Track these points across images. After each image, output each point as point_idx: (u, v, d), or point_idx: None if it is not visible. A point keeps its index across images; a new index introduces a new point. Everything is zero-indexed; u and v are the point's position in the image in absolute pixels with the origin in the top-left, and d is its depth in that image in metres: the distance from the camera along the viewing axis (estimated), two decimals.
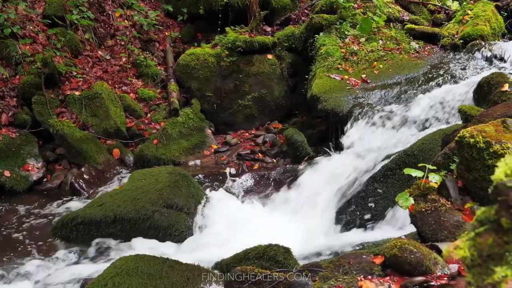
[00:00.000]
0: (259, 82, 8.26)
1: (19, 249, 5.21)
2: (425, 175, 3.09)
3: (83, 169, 6.70)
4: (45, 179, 6.82)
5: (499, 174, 0.89)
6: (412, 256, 2.52)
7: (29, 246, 5.26)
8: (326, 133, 7.00)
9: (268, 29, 9.05)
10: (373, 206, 4.94)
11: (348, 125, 6.26)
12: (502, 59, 6.76)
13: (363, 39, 7.80)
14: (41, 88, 7.39)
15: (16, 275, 4.62)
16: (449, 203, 2.97)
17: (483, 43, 7.10)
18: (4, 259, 5.00)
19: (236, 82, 8.23)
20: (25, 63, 7.61)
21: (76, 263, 4.78)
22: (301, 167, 6.29)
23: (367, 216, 4.93)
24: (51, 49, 7.73)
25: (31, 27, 8.03)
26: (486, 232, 0.91)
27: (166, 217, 5.03)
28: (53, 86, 7.59)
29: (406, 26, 8.10)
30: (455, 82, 6.38)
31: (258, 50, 8.29)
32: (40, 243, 5.31)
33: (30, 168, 6.72)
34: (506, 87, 5.16)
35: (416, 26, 8.05)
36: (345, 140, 6.35)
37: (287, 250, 3.61)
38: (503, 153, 2.64)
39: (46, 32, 8.11)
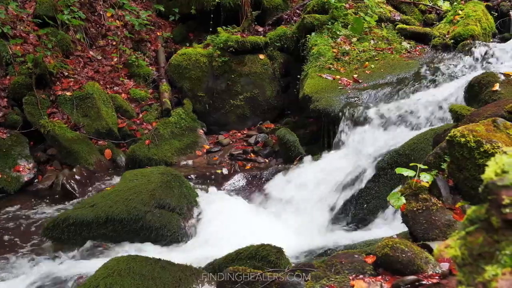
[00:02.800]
0: (251, 82, 8.26)
1: (10, 250, 5.18)
2: (417, 174, 3.10)
3: (74, 170, 6.67)
4: (36, 180, 6.79)
5: (489, 173, 0.89)
6: (404, 255, 2.53)
7: (20, 247, 5.23)
8: (318, 133, 7.01)
9: (260, 29, 9.06)
10: (365, 205, 4.95)
11: (340, 125, 6.27)
12: (492, 59, 6.80)
13: (354, 39, 7.82)
14: (32, 88, 7.35)
15: (7, 276, 4.60)
16: (440, 202, 2.98)
17: (474, 43, 7.13)
18: None
19: (228, 82, 8.23)
20: (15, 64, 7.57)
21: (68, 264, 4.75)
22: (293, 167, 6.30)
23: (359, 216, 4.94)
24: (42, 49, 7.70)
25: (21, 27, 7.99)
26: (477, 231, 0.91)
27: (158, 217, 5.01)
28: (44, 87, 7.55)
29: (397, 26, 8.13)
30: (446, 82, 6.40)
31: (250, 50, 8.29)
32: (32, 244, 5.28)
33: (21, 169, 6.68)
34: (496, 87, 5.19)
35: (408, 26, 8.08)
36: (337, 140, 6.36)
37: (279, 250, 3.61)
38: (494, 153, 2.66)
39: (37, 32, 8.07)
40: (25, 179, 6.66)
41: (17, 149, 6.87)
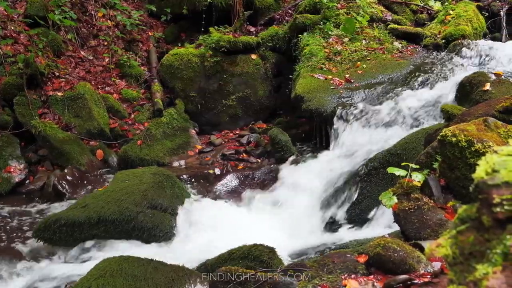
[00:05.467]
0: (243, 82, 8.26)
1: (1, 251, 5.15)
2: (408, 174, 3.11)
3: (66, 171, 6.63)
4: (27, 181, 6.74)
5: (480, 172, 0.89)
6: (396, 255, 2.54)
7: (11, 249, 5.20)
8: (311, 133, 7.02)
9: (252, 29, 9.05)
10: (357, 205, 4.96)
11: (332, 124, 6.28)
12: (483, 59, 6.83)
13: (346, 39, 7.83)
14: (23, 89, 7.31)
15: None
16: (432, 201, 2.99)
17: (465, 43, 7.17)
18: None
19: (220, 82, 8.22)
20: (6, 64, 7.52)
21: (59, 265, 4.73)
22: (285, 167, 6.30)
23: (351, 215, 4.95)
24: (33, 49, 7.65)
25: (12, 27, 7.94)
26: (468, 230, 0.91)
27: (150, 218, 5.00)
28: (35, 87, 7.50)
29: (389, 26, 8.15)
30: (437, 82, 6.43)
31: (242, 50, 8.29)
32: (23, 245, 5.25)
33: (12, 170, 6.64)
34: (487, 87, 5.23)
35: (399, 26, 8.10)
36: (329, 140, 6.38)
37: (271, 250, 3.61)
38: (485, 152, 2.67)
39: (28, 32, 8.02)
40: (16, 180, 6.61)
41: (8, 150, 6.82)
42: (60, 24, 8.21)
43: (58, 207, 6.03)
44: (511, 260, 0.81)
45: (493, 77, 5.45)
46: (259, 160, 7.09)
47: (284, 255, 4.01)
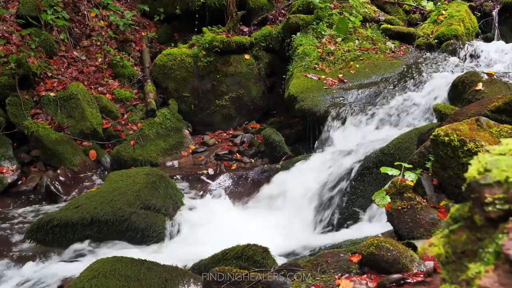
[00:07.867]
0: (237, 82, 8.26)
1: None
2: (401, 173, 3.12)
3: (59, 171, 6.61)
4: (20, 182, 6.71)
5: (472, 171, 0.89)
6: (389, 254, 2.54)
7: (4, 250, 5.17)
8: (304, 133, 7.03)
9: (245, 29, 9.05)
10: (351, 204, 4.96)
11: (326, 124, 6.29)
12: (476, 58, 6.86)
13: (339, 39, 7.85)
14: (15, 89, 7.28)
15: None
16: (424, 201, 3.00)
17: (458, 43, 7.19)
18: None
19: (213, 82, 8.21)
20: None
21: (53, 266, 4.71)
22: (279, 167, 6.30)
23: (344, 215, 4.96)
24: (26, 49, 7.62)
25: (4, 27, 7.90)
26: (460, 229, 0.91)
27: (144, 218, 4.99)
28: (28, 87, 7.47)
29: (382, 26, 8.17)
30: (430, 81, 6.45)
31: (236, 50, 8.29)
32: (15, 246, 5.23)
33: (4, 171, 6.61)
34: (480, 86, 5.24)
35: (392, 26, 8.12)
36: (322, 139, 6.38)
37: (265, 250, 3.61)
38: (477, 151, 2.68)
39: (20, 33, 7.98)
40: (9, 180, 6.58)
41: (0, 151, 6.79)
42: (52, 24, 8.17)
43: (50, 208, 6.00)
44: (503, 259, 0.82)
45: (485, 76, 5.47)
46: (253, 160, 7.09)
47: (278, 255, 4.01)
